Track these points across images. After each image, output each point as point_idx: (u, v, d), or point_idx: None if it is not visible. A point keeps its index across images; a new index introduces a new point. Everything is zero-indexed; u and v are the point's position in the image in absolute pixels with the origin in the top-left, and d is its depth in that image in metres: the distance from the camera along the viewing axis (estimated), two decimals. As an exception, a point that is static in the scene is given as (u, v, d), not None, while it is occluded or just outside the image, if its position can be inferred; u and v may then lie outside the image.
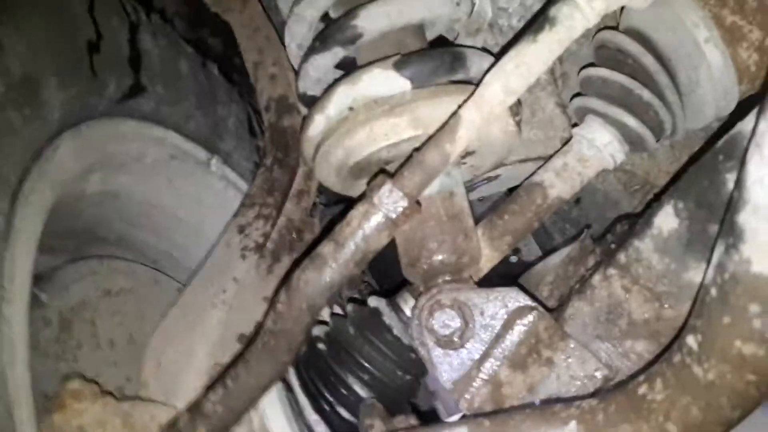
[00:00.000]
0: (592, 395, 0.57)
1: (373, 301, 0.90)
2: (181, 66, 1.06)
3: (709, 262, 0.43)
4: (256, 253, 0.99)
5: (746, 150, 0.37)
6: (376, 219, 0.63)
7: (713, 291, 0.41)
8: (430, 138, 0.67)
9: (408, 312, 0.88)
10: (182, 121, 1.07)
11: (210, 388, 0.69)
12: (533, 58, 0.64)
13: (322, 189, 1.20)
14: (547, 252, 1.32)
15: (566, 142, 0.93)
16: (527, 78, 0.65)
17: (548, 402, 0.61)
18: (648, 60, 0.80)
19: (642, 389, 0.49)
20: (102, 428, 0.65)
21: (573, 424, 0.52)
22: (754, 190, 0.36)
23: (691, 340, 0.45)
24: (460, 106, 0.65)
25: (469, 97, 0.67)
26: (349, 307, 0.91)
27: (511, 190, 1.00)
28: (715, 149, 0.58)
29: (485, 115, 0.64)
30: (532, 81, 0.65)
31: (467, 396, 0.67)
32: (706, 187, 0.59)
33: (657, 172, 1.06)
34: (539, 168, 0.90)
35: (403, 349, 0.86)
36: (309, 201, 1.13)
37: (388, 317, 0.87)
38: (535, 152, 1.03)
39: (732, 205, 0.38)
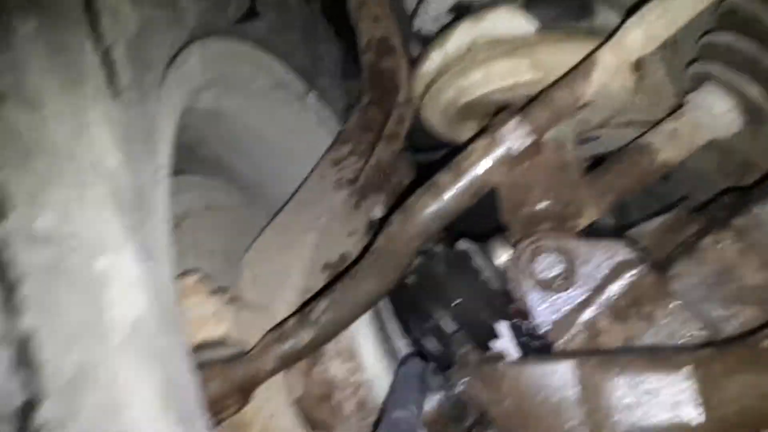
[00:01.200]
0: (706, 345, 0.57)
1: (463, 244, 0.92)
2: (290, -1, 1.09)
3: None
4: (348, 187, 1.02)
5: None
6: (498, 152, 0.65)
7: None
8: (561, 78, 0.67)
9: (497, 259, 0.90)
10: (288, 52, 1.09)
11: (316, 298, 0.72)
12: (680, 7, 0.63)
13: (410, 135, 1.21)
14: (622, 228, 1.31)
15: (671, 111, 0.91)
16: (671, 27, 0.64)
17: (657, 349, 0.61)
18: (782, 30, 0.77)
19: (766, 342, 0.49)
20: (218, 322, 0.69)
21: (686, 369, 0.53)
22: None
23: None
24: (596, 50, 0.65)
25: (605, 42, 0.66)
26: (439, 248, 0.93)
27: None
28: None
29: (622, 61, 0.64)
30: (675, 31, 0.64)
31: (563, 340, 0.69)
32: None
33: (761, 153, 1.03)
34: (648, 131, 0.89)
35: (490, 292, 0.88)
36: (399, 144, 1.15)
37: (477, 261, 0.89)
38: (639, 117, 1.01)
39: None
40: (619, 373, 0.55)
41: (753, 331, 0.52)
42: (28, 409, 0.36)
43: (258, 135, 1.10)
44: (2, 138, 0.44)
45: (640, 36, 0.63)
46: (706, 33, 0.86)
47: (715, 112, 0.84)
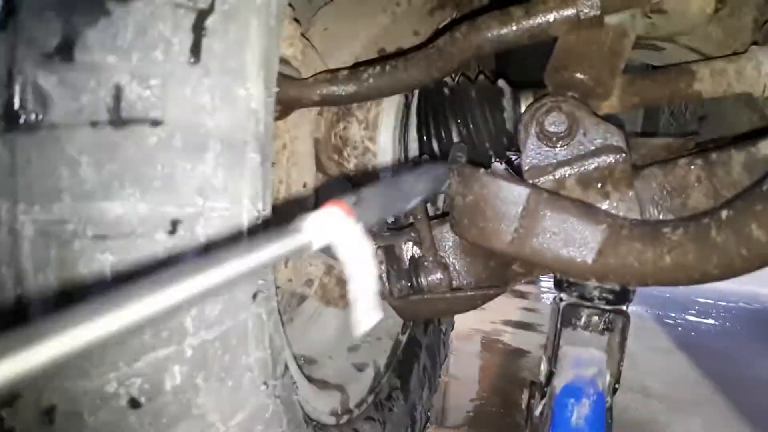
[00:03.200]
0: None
1: (501, 83, 1.05)
2: None
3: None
4: (430, -10, 1.11)
5: None
6: (569, 11, 0.75)
7: (765, 187, 0.55)
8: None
9: (523, 107, 1.03)
10: None
11: (375, 63, 0.86)
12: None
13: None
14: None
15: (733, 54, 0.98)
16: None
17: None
18: None
19: (666, 228, 0.66)
20: (291, 45, 0.83)
21: (602, 227, 0.70)
22: None
23: (723, 213, 0.60)
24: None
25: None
26: (481, 77, 1.06)
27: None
28: None
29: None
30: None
31: (535, 180, 0.85)
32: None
33: None
34: (702, 59, 0.98)
35: (502, 130, 1.03)
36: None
37: (506, 101, 1.03)
38: (707, 49, 1.08)
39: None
40: (555, 208, 0.72)
41: (664, 222, 0.68)
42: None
43: None
44: None
45: (729, -35, 0.71)
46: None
47: (762, 69, 0.92)
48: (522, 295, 5.29)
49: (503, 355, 3.38)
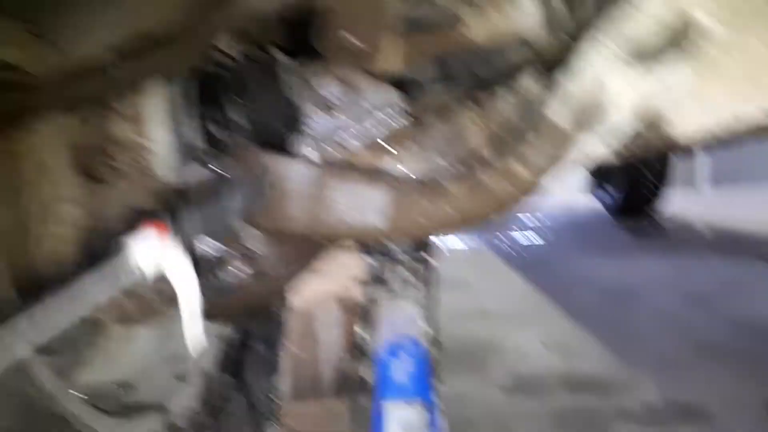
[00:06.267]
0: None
1: (278, 55, 0.99)
2: None
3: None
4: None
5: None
6: None
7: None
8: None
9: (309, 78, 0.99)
10: None
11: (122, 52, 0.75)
12: None
13: None
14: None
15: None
16: None
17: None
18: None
19: (443, 181, 0.67)
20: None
21: (388, 188, 0.70)
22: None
23: (489, 156, 0.62)
24: None
25: None
26: (260, 54, 0.99)
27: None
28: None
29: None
30: None
31: (322, 151, 0.82)
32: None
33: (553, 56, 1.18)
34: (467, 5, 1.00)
35: (289, 105, 0.97)
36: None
37: (284, 72, 0.97)
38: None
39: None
40: (341, 179, 0.71)
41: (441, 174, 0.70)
42: None
43: None
44: None
45: None
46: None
47: (522, 10, 0.96)
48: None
49: (359, 313, 3.45)
